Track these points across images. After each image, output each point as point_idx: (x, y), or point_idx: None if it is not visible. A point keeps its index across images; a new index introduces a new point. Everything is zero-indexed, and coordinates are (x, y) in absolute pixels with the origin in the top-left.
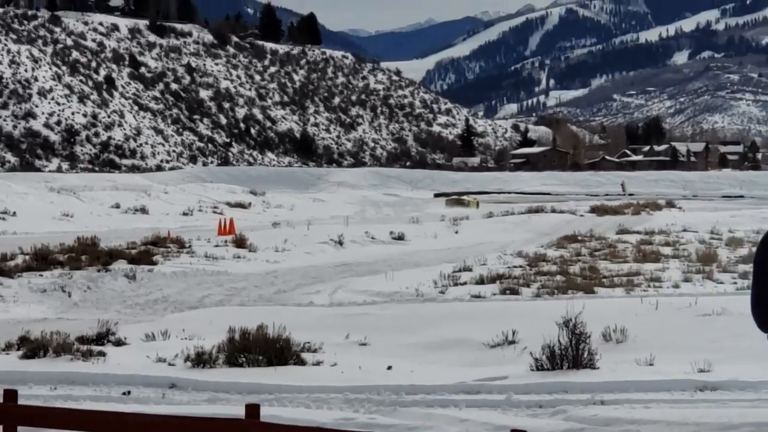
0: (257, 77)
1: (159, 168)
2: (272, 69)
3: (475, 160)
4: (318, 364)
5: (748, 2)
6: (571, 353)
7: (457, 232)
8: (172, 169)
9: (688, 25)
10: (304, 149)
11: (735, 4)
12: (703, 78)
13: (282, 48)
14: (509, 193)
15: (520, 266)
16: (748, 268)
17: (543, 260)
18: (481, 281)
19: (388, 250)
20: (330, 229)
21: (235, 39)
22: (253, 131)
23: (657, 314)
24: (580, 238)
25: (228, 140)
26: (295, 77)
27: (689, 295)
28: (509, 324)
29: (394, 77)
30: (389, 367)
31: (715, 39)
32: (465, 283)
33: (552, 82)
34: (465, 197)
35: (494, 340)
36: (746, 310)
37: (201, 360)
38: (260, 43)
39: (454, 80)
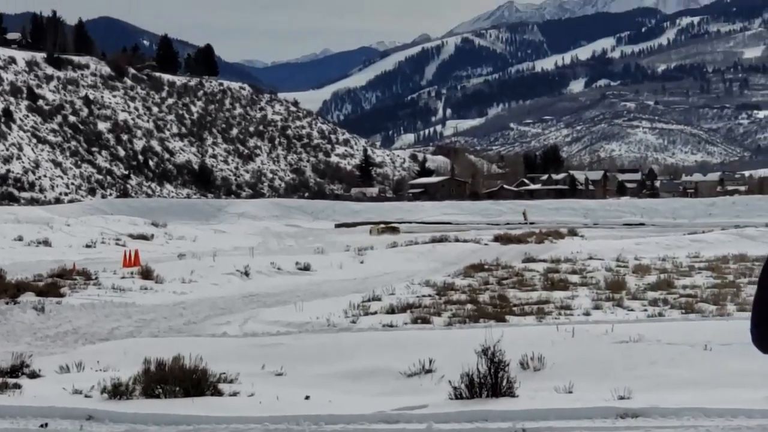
0: (155, 109)
1: (58, 201)
2: (170, 100)
3: (373, 190)
4: (235, 394)
5: (643, 30)
6: (490, 381)
7: (362, 262)
8: (71, 201)
9: (583, 53)
10: (202, 181)
11: (630, 32)
12: (599, 106)
13: (179, 79)
14: (411, 222)
15: (429, 295)
16: (658, 295)
17: (451, 289)
18: (391, 311)
19: (294, 281)
20: (235, 260)
21: (132, 71)
22: (151, 163)
23: (574, 342)
24: (486, 266)
25: (126, 172)
26: (193, 108)
27: (605, 323)
28: (425, 353)
29: (292, 108)
30: (307, 397)
31: (611, 67)
32: (376, 313)
33: (449, 111)
34: (391, 225)
35: (411, 369)
36: (663, 337)
37: (117, 391)
38: (157, 74)
39: (350, 110)
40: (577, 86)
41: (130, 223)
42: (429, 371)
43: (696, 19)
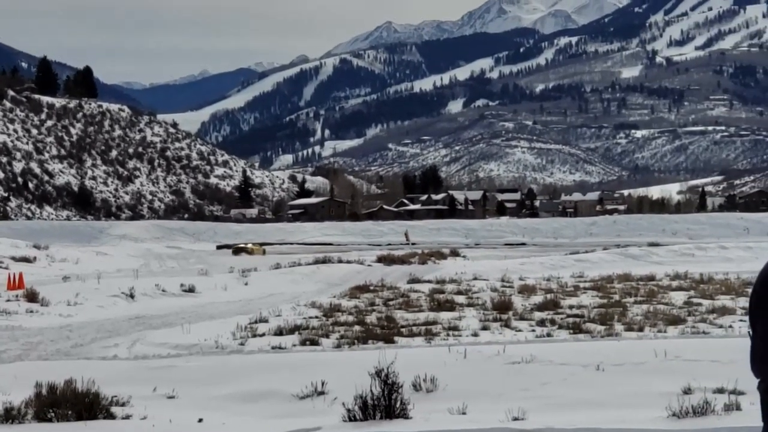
0: (34, 131)
1: None
2: (49, 123)
3: (253, 212)
4: (127, 417)
5: (521, 50)
6: (383, 403)
7: (247, 284)
8: None
9: (462, 73)
10: (82, 202)
11: (509, 52)
12: (478, 126)
13: (58, 101)
14: (292, 243)
15: (316, 317)
16: (545, 315)
17: (338, 310)
18: (279, 332)
19: (180, 303)
20: (120, 282)
21: (11, 93)
22: (31, 185)
23: (466, 363)
24: (372, 288)
25: (6, 195)
26: (72, 130)
27: (497, 344)
28: (317, 375)
29: (171, 129)
30: (200, 420)
31: (490, 87)
32: (264, 335)
33: (327, 132)
34: (249, 245)
35: (303, 391)
36: (554, 358)
37: (9, 416)
38: (37, 97)
39: (229, 132)
40: (455, 106)
41: (11, 245)
42: (321, 393)
43: (574, 39)
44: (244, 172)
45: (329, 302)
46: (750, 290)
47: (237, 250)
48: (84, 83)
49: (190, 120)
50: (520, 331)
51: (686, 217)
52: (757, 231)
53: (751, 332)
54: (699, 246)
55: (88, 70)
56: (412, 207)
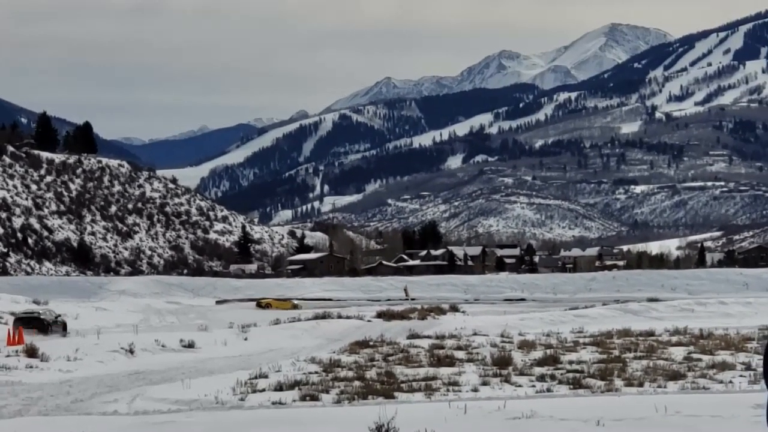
0: (33, 186)
1: None
2: (48, 178)
3: (252, 267)
4: None
5: (521, 106)
6: None
7: (246, 339)
8: None
9: (461, 129)
10: (81, 258)
11: (508, 108)
12: (477, 181)
13: (58, 157)
14: (291, 299)
15: (316, 372)
16: (545, 370)
17: (338, 366)
18: (279, 388)
19: (179, 358)
20: (119, 337)
21: (10, 148)
22: (30, 240)
23: (466, 418)
24: (371, 343)
25: (5, 250)
26: (72, 186)
27: (497, 399)
28: (316, 430)
29: (170, 185)
30: None
31: (489, 143)
32: (264, 390)
33: (327, 187)
34: (274, 300)
35: None
36: (555, 413)
37: None
38: (36, 152)
39: (228, 187)
40: (455, 162)
41: (11, 301)
42: None
43: (573, 95)
44: (243, 227)
45: (329, 358)
46: (751, 345)
47: (261, 305)
48: (83, 139)
49: (190, 175)
50: (520, 386)
51: (685, 273)
52: (757, 286)
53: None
54: (698, 301)
55: (87, 126)
56: (411, 263)
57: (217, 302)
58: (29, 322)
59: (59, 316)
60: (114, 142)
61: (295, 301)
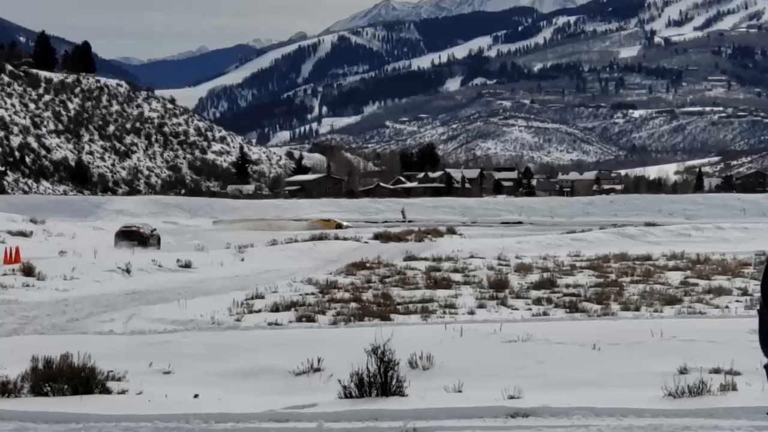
0: (32, 105)
1: None
2: (47, 97)
3: (249, 188)
4: (123, 392)
5: (519, 29)
6: (380, 380)
7: (243, 260)
8: None
9: (460, 52)
10: (79, 178)
11: (507, 31)
12: (475, 105)
13: (56, 76)
14: (289, 220)
15: (312, 293)
16: (541, 294)
17: (334, 287)
18: (276, 309)
19: (176, 278)
20: (116, 256)
21: (9, 67)
22: (28, 160)
23: (462, 341)
24: (368, 265)
25: (3, 169)
26: (70, 105)
27: (493, 322)
28: (312, 352)
29: (169, 105)
30: (196, 395)
31: (488, 66)
32: (260, 311)
33: (325, 109)
34: (321, 220)
35: (299, 367)
36: (551, 337)
37: (5, 389)
38: (34, 71)
39: (227, 108)
40: (453, 85)
41: (8, 219)
42: (318, 370)
43: (572, 19)
44: (241, 148)
45: (326, 279)
46: (748, 271)
47: (317, 223)
48: (82, 58)
49: (188, 96)
50: (516, 309)
51: (683, 198)
52: (754, 212)
53: (760, 309)
54: (696, 226)
55: (86, 45)
56: (408, 185)
57: (214, 222)
58: (129, 235)
59: (154, 230)
60: (113, 62)
61: (343, 222)
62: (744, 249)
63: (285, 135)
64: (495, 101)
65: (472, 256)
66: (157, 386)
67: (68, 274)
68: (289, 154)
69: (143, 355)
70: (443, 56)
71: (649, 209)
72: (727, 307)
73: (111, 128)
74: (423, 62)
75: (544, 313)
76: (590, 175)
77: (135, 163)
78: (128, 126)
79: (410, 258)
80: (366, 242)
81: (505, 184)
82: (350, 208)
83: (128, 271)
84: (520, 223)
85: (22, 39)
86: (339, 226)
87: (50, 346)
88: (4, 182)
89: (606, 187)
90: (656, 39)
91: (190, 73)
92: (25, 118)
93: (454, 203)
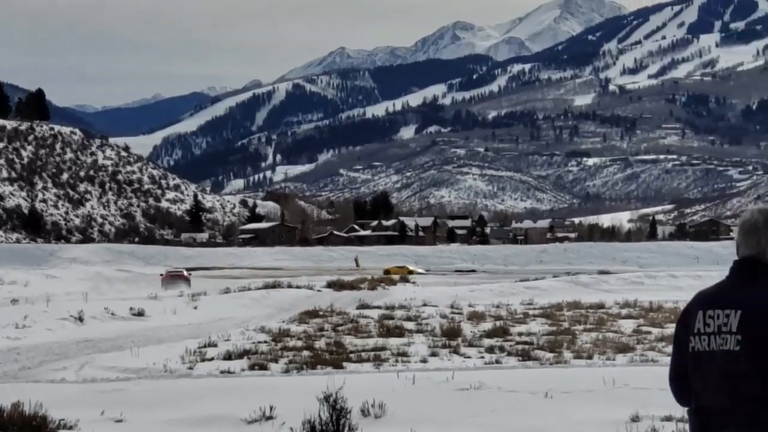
0: None
1: None
2: (0, 145)
3: (203, 236)
4: None
5: (474, 77)
6: (332, 428)
7: (196, 308)
8: None
9: (414, 99)
10: (32, 225)
11: (461, 79)
12: (429, 152)
13: (10, 123)
14: (242, 268)
15: (265, 342)
16: (494, 342)
17: (287, 335)
18: (228, 357)
19: (129, 326)
20: (69, 305)
21: None
22: None
23: (415, 389)
24: (321, 313)
25: None
26: (24, 153)
27: (446, 370)
28: (265, 399)
29: (123, 153)
30: None
31: (442, 113)
32: (213, 359)
33: (279, 157)
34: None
35: (251, 415)
36: (503, 385)
37: None
38: None
39: (181, 156)
40: (407, 132)
41: None
42: (270, 418)
43: (527, 66)
44: (195, 196)
45: (278, 327)
46: None
47: (393, 270)
48: (36, 106)
49: (142, 144)
50: (469, 357)
51: (636, 246)
52: (708, 260)
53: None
54: (649, 274)
55: (40, 93)
56: (362, 233)
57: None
58: (177, 277)
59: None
60: (67, 110)
61: (418, 269)
62: None
63: (239, 183)
64: (449, 149)
65: (425, 305)
66: None
67: (20, 322)
68: (243, 202)
69: (95, 403)
70: (398, 104)
71: (603, 257)
72: None
73: (65, 176)
74: (377, 110)
75: (497, 361)
76: (544, 223)
77: (89, 211)
78: (82, 174)
79: (363, 306)
80: (319, 290)
81: (459, 232)
82: (303, 256)
83: (81, 319)
84: (473, 271)
85: None
86: (411, 272)
87: (1, 394)
88: None
89: (560, 235)
90: (611, 87)
91: (144, 120)
92: None
93: (408, 251)
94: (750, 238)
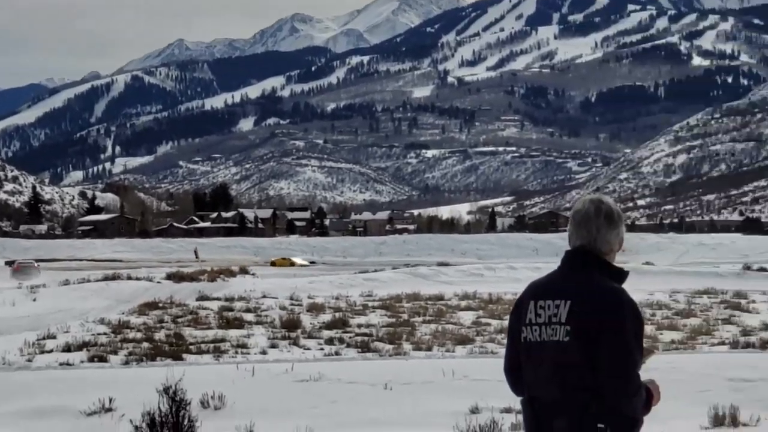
0: None
1: None
2: None
3: (42, 228)
4: None
5: (313, 69)
6: (171, 420)
7: (35, 300)
8: None
9: (253, 92)
10: None
11: (300, 71)
12: (268, 144)
13: None
14: (81, 260)
15: (105, 333)
16: (333, 333)
17: (127, 327)
18: (68, 349)
19: None
20: None
21: None
22: None
23: (254, 380)
24: (161, 304)
25: None
26: None
27: (285, 361)
28: (104, 391)
29: None
30: None
31: (281, 106)
32: (52, 351)
33: (118, 149)
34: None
35: (91, 407)
36: (343, 376)
37: None
38: None
39: (19, 147)
40: (246, 125)
41: None
42: (109, 410)
43: (366, 59)
44: (34, 188)
45: (118, 319)
46: None
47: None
48: None
49: None
50: (308, 349)
51: (476, 238)
52: (546, 252)
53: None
54: (488, 266)
55: None
56: (202, 225)
57: (6, 263)
58: (28, 267)
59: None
60: None
61: (299, 261)
62: None
63: (78, 175)
64: (288, 141)
65: (264, 296)
66: None
67: None
68: (83, 194)
69: None
70: (236, 96)
71: (442, 249)
72: None
73: None
74: (216, 102)
75: (337, 353)
76: (383, 215)
77: None
78: None
79: (203, 298)
80: (159, 282)
81: (299, 224)
82: (142, 248)
83: None
84: (313, 262)
85: None
86: (292, 264)
87: None
88: None
89: (399, 227)
90: (449, 79)
91: None
92: None
93: (247, 243)
94: (581, 228)
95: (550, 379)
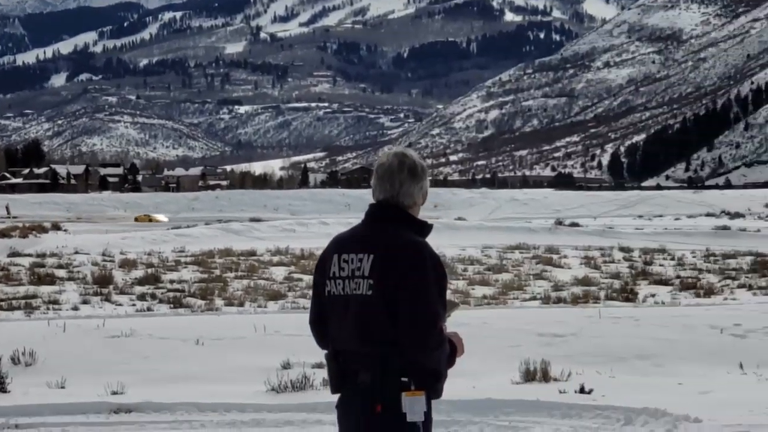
0: None
1: None
2: None
3: None
4: None
5: (125, 25)
6: None
7: None
8: None
9: (65, 47)
10: None
11: (112, 26)
12: (81, 100)
13: None
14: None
15: None
16: (146, 289)
17: None
18: None
19: None
20: None
21: None
22: None
23: (65, 337)
24: None
25: None
26: None
27: (97, 317)
28: None
29: None
30: None
31: (93, 62)
32: None
33: None
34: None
35: None
36: (154, 332)
37: None
38: None
39: None
40: (58, 80)
41: None
42: None
43: (178, 15)
44: None
45: None
46: None
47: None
48: None
49: None
50: (120, 305)
51: (288, 193)
52: (359, 207)
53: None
54: (300, 222)
55: None
56: (13, 181)
57: None
58: None
59: None
60: None
61: (159, 217)
62: None
63: None
64: (101, 97)
65: (76, 252)
66: None
67: None
68: None
69: None
70: (48, 52)
71: (255, 205)
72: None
73: None
74: (28, 57)
75: (148, 309)
76: (196, 171)
77: None
78: None
79: (14, 254)
80: None
81: (111, 180)
82: None
83: None
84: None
85: None
86: (150, 220)
87: None
88: None
89: (212, 183)
90: (262, 35)
91: None
92: None
93: (59, 199)
94: (384, 182)
95: (354, 332)
